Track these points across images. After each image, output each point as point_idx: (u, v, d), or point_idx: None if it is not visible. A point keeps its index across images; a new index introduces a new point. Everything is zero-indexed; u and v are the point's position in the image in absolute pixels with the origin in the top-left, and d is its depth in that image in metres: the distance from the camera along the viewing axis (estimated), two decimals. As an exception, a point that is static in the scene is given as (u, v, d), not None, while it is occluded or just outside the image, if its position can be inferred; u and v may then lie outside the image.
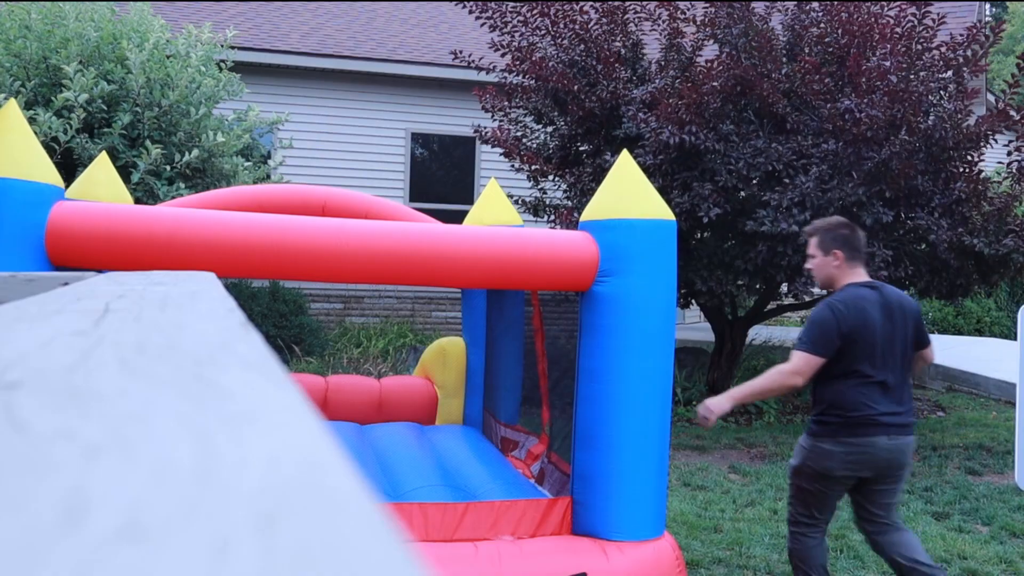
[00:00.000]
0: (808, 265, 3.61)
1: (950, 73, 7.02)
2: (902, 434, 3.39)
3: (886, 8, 7.19)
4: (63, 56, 6.25)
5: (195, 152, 6.34)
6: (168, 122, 6.56)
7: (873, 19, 7.01)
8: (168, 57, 6.74)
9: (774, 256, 6.71)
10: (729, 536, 4.73)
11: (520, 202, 8.12)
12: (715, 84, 6.56)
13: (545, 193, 8.12)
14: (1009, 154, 6.95)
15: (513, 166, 8.22)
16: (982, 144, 6.82)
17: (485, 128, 8.19)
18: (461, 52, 8.15)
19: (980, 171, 6.93)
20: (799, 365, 3.37)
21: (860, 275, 3.50)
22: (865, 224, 6.56)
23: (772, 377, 3.41)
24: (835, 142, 6.39)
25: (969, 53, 6.90)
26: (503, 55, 7.77)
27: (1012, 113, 6.70)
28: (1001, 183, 7.14)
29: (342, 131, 11.12)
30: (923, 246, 6.90)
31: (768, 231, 6.35)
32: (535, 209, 8.15)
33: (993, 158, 11.91)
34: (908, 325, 3.47)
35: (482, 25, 7.96)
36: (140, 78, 6.28)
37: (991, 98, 13.91)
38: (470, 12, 7.92)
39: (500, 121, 8.20)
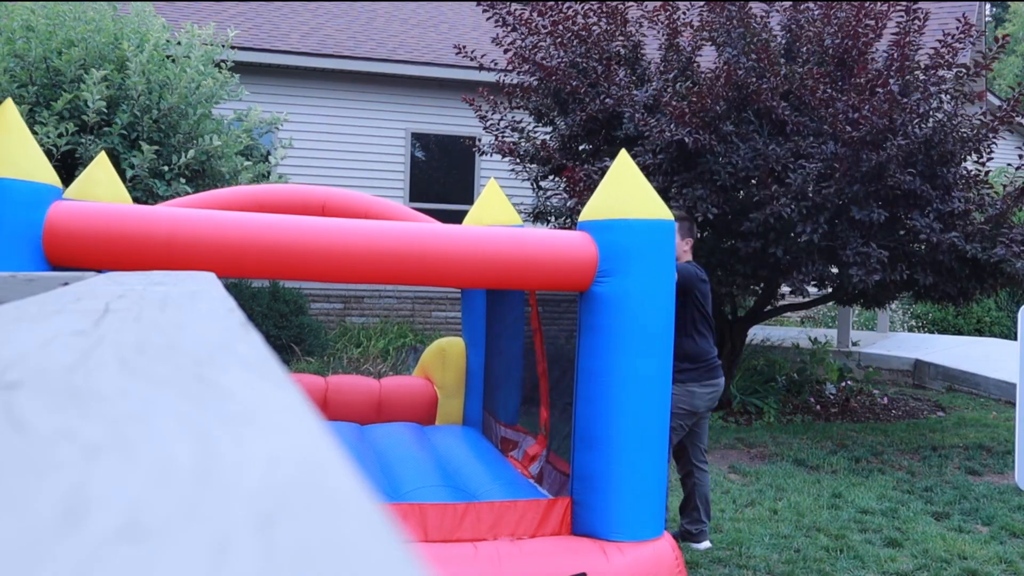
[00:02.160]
0: None
1: (952, 72, 7.01)
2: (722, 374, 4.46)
3: (879, 5, 7.18)
4: (66, 60, 6.25)
5: (191, 153, 6.33)
6: (167, 123, 6.56)
7: (873, 20, 7.00)
8: (169, 58, 6.73)
9: (767, 255, 6.72)
10: (729, 536, 4.73)
11: (521, 207, 8.13)
12: (719, 84, 6.55)
13: (549, 199, 8.11)
14: (1021, 157, 6.92)
15: (514, 171, 8.22)
16: (983, 145, 6.81)
17: (483, 137, 8.20)
18: (464, 47, 8.14)
19: (978, 171, 6.92)
20: None
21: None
22: (860, 221, 6.56)
23: None
24: (834, 144, 6.39)
25: (969, 60, 6.90)
26: (506, 51, 7.78)
27: (1020, 119, 6.68)
28: (1005, 187, 7.11)
29: (342, 131, 11.12)
30: (922, 248, 6.89)
31: (757, 219, 6.38)
32: (536, 216, 8.15)
33: (996, 158, 11.89)
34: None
35: (488, 19, 7.96)
36: (140, 84, 6.27)
37: (993, 99, 13.90)
38: (479, 4, 7.91)
39: (496, 127, 8.20)
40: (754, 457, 6.60)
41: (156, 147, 6.22)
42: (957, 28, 7.01)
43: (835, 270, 6.84)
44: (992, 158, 6.89)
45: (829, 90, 6.53)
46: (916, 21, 7.02)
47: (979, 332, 12.42)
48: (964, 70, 6.92)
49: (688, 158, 6.81)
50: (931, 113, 6.66)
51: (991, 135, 6.80)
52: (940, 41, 6.98)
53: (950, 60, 6.94)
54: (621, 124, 7.13)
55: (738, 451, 6.76)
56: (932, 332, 12.76)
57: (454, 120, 11.31)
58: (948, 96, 6.96)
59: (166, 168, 6.41)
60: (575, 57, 7.46)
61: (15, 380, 0.38)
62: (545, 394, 4.38)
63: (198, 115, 6.58)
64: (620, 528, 3.34)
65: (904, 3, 7.04)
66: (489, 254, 3.27)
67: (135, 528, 0.24)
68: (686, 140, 6.44)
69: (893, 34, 7.05)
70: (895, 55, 6.86)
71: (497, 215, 4.92)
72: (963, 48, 6.94)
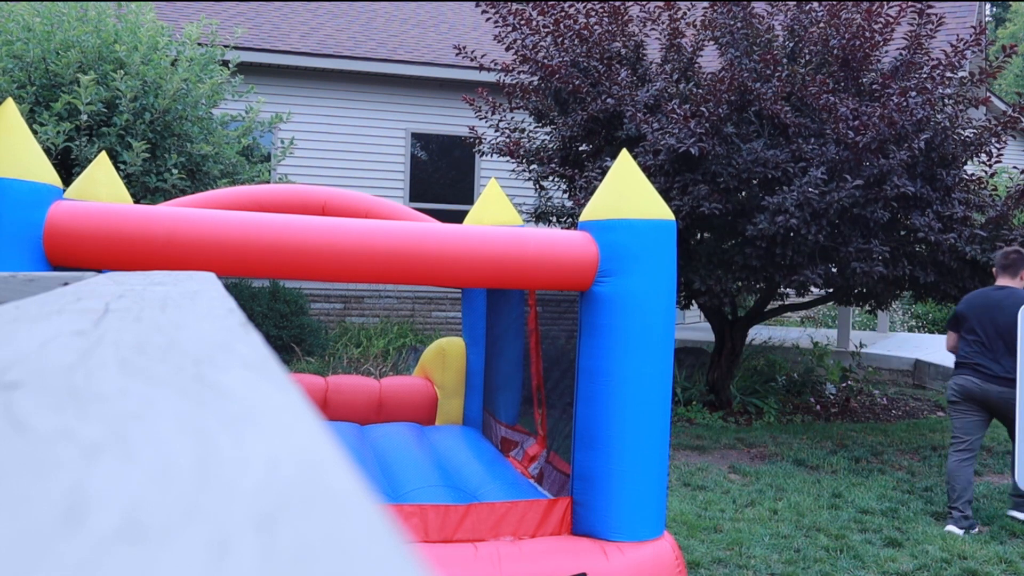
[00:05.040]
0: None
1: (958, 76, 7.00)
2: None
3: (887, 7, 7.17)
4: (63, 63, 6.24)
5: (177, 158, 6.32)
6: (162, 124, 6.55)
7: (879, 21, 6.99)
8: (173, 63, 6.73)
9: (773, 256, 6.70)
10: (729, 536, 4.73)
11: (522, 207, 8.12)
12: (722, 88, 6.53)
13: (550, 200, 8.11)
14: None
15: (515, 172, 8.22)
16: (987, 149, 6.80)
17: (483, 134, 8.20)
18: (464, 48, 8.15)
19: (983, 172, 6.91)
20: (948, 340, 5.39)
21: (1001, 280, 5.19)
22: (862, 221, 6.55)
23: None
24: (836, 148, 6.38)
25: (975, 68, 6.89)
26: (507, 48, 7.77)
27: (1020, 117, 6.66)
28: (1007, 188, 7.10)
29: (342, 131, 11.12)
30: (923, 248, 6.88)
31: (766, 230, 6.34)
32: (538, 216, 8.14)
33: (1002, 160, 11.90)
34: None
35: (487, 20, 7.96)
36: (135, 87, 6.26)
37: (998, 103, 13.89)
38: (477, 5, 7.92)
39: (496, 126, 8.20)
40: (754, 457, 6.60)
41: (148, 145, 6.21)
42: (970, 34, 7.01)
43: (836, 269, 6.83)
44: (999, 161, 6.89)
45: (832, 98, 6.52)
46: (929, 25, 7.01)
47: (979, 332, 12.39)
48: (969, 76, 6.92)
49: (689, 159, 6.81)
50: (932, 117, 6.65)
51: (994, 140, 6.79)
52: (952, 45, 6.96)
53: (956, 63, 6.93)
54: (622, 124, 7.13)
55: (738, 451, 6.76)
56: (932, 332, 12.76)
57: (454, 120, 11.31)
58: (951, 100, 6.95)
59: (160, 168, 6.41)
60: (576, 56, 7.46)
61: (15, 380, 0.38)
62: (542, 394, 4.38)
63: (191, 116, 6.57)
64: (620, 528, 3.34)
65: (918, 5, 7.02)
66: (489, 254, 3.27)
67: (135, 528, 0.24)
68: (692, 151, 6.42)
69: (903, 37, 7.04)
70: (922, 64, 6.84)
71: (497, 215, 4.92)
72: (972, 53, 6.94)
